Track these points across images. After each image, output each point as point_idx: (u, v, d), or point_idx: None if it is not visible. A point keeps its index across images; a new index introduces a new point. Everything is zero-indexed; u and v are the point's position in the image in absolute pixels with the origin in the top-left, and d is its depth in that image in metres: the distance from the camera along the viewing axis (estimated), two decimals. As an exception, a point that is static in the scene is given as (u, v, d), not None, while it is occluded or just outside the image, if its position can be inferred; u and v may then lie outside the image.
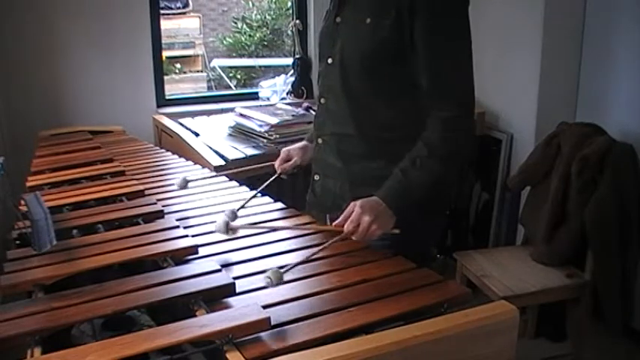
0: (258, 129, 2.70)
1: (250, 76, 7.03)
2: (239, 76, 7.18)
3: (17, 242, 1.52)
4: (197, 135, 2.81)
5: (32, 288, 1.24)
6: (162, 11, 3.60)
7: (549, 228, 2.37)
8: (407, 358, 0.98)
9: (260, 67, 7.03)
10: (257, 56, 7.28)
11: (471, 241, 3.16)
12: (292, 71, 3.72)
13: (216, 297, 1.17)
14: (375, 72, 1.45)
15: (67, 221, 1.58)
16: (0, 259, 1.37)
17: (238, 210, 1.57)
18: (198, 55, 7.41)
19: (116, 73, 3.27)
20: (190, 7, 7.42)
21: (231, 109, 3.05)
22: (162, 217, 1.63)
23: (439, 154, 1.40)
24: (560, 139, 2.42)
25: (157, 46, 3.38)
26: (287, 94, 3.65)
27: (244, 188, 1.89)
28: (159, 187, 1.93)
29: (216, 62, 7.30)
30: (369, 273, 1.27)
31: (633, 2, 2.46)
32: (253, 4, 7.42)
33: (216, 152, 2.55)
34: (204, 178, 2.02)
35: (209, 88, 7.00)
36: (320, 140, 1.61)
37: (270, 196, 1.80)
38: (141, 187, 1.86)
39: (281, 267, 1.19)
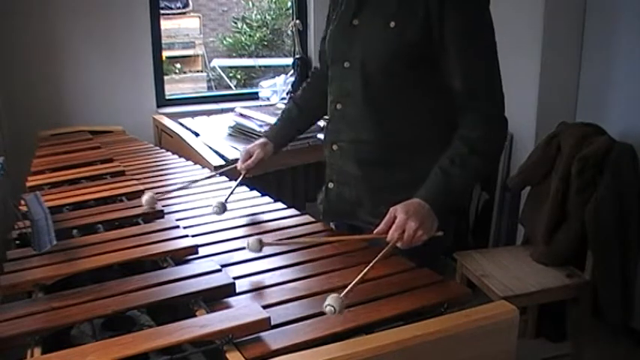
0: (258, 129, 2.70)
1: (250, 76, 7.03)
2: (239, 76, 7.19)
3: (17, 242, 1.52)
4: (197, 135, 2.81)
5: (32, 288, 1.24)
6: (162, 11, 3.60)
7: (549, 228, 2.37)
8: (407, 358, 0.98)
9: (260, 67, 7.04)
10: (257, 56, 7.28)
11: (471, 241, 3.16)
12: (292, 71, 3.73)
13: (216, 297, 1.17)
14: (399, 76, 1.42)
15: (67, 221, 1.57)
16: (0, 259, 1.37)
17: (226, 200, 1.63)
18: (198, 55, 7.42)
19: (116, 73, 3.28)
20: (190, 7, 7.43)
21: (231, 109, 3.05)
22: (162, 217, 1.63)
23: (480, 151, 1.37)
24: (560, 139, 2.42)
25: (156, 46, 3.39)
26: (287, 94, 3.64)
27: (244, 188, 1.89)
28: (159, 187, 1.93)
29: (216, 62, 7.30)
30: (369, 273, 1.26)
31: (633, 2, 2.46)
32: (253, 4, 7.42)
33: (216, 152, 2.55)
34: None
35: (209, 88, 7.01)
36: (335, 147, 1.55)
37: (270, 196, 1.80)
38: (141, 187, 1.86)
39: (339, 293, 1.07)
